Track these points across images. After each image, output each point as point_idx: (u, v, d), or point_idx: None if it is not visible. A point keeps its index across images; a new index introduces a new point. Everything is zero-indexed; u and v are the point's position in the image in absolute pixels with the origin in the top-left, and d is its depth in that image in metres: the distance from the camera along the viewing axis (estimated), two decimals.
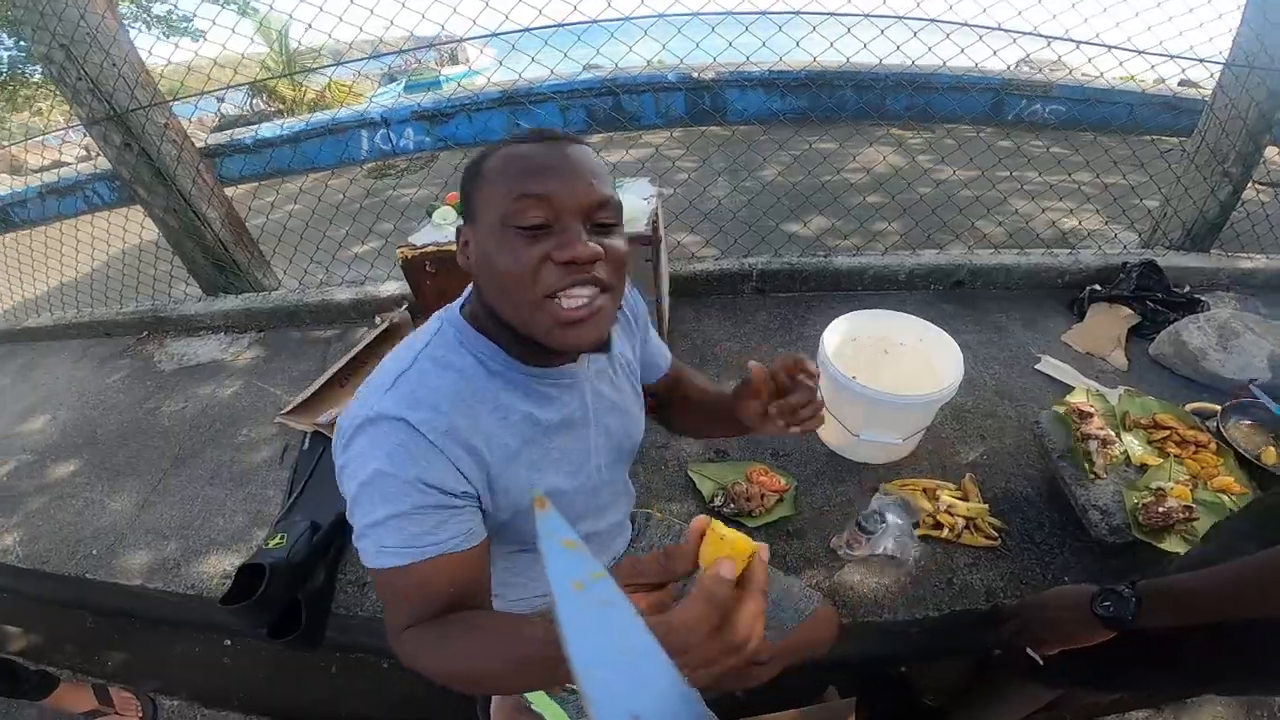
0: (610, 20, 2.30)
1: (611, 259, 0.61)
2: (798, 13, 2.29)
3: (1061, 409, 1.44)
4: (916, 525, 1.37)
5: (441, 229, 1.86)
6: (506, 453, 0.66)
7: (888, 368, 1.62)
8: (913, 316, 1.56)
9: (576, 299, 0.59)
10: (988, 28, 2.17)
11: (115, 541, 1.77)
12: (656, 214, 1.81)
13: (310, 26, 2.34)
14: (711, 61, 2.83)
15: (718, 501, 1.45)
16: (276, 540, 1.59)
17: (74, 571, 1.71)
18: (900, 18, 2.23)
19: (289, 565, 1.47)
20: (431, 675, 0.57)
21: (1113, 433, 1.35)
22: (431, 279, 1.83)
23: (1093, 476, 1.29)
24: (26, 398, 2.54)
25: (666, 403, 0.96)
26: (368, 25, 2.40)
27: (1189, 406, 1.46)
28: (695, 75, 4.70)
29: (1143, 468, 1.30)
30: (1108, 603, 0.80)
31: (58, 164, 6.64)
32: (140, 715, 1.51)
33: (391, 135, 4.89)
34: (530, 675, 0.53)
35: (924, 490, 1.44)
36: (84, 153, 7.67)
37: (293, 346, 2.47)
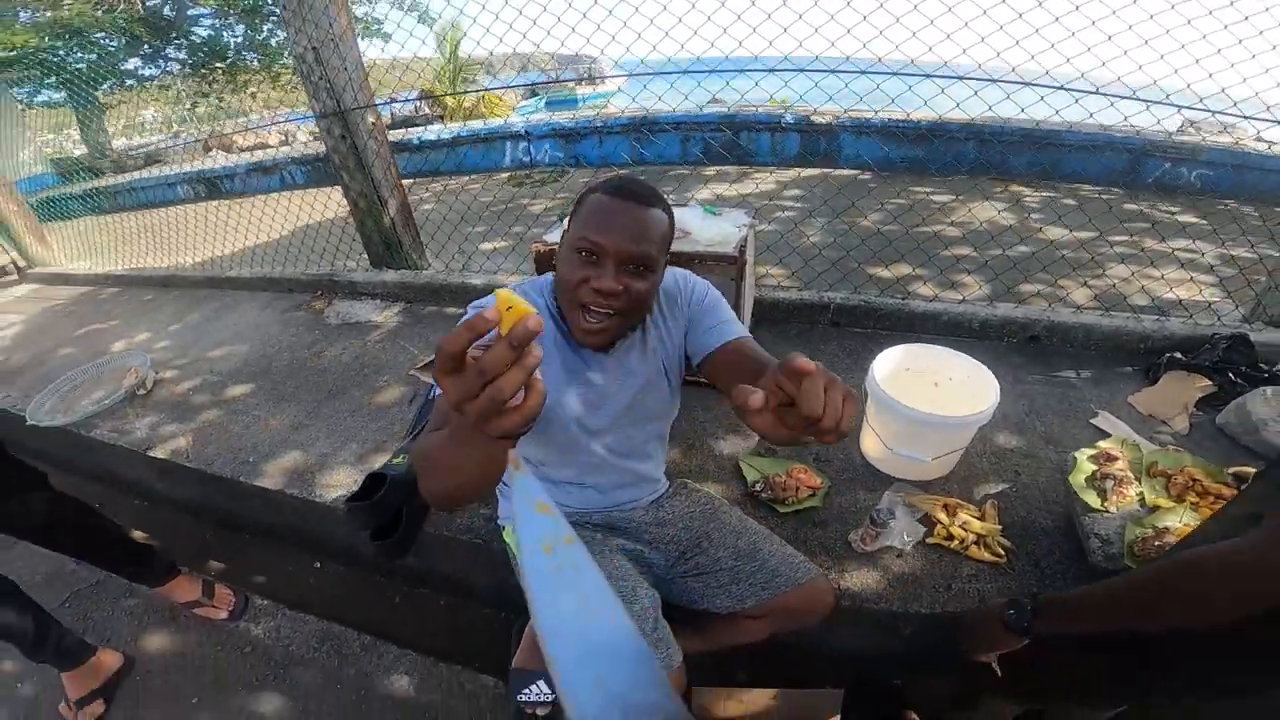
0: (733, 67, 2.59)
1: (632, 295, 0.89)
2: (928, 75, 2.47)
3: (1092, 451, 1.56)
4: (930, 533, 1.54)
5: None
6: (545, 361, 0.95)
7: (938, 400, 1.79)
8: (964, 355, 1.74)
9: (592, 321, 0.91)
10: (1119, 96, 2.26)
11: (269, 452, 2.23)
12: (746, 241, 2.09)
13: (478, 43, 2.87)
14: (828, 104, 3.07)
15: (757, 487, 1.69)
16: (397, 460, 1.99)
17: (231, 474, 2.16)
18: (1027, 84, 2.35)
19: (405, 480, 1.83)
20: (423, 463, 0.67)
21: (1133, 476, 1.45)
22: None
23: (1103, 510, 1.41)
24: (220, 332, 3.20)
25: (711, 382, 1.08)
26: (519, 46, 2.88)
27: (1230, 469, 1.49)
28: (811, 119, 4.92)
29: (1155, 509, 1.39)
30: (1012, 611, 0.93)
31: (262, 146, 7.96)
32: (231, 609, 1.79)
33: (531, 149, 5.50)
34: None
35: (944, 505, 1.61)
36: (282, 138, 9.13)
37: (430, 317, 2.96)
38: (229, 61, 16.29)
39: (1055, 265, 2.65)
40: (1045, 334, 2.38)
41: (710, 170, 4.87)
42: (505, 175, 5.35)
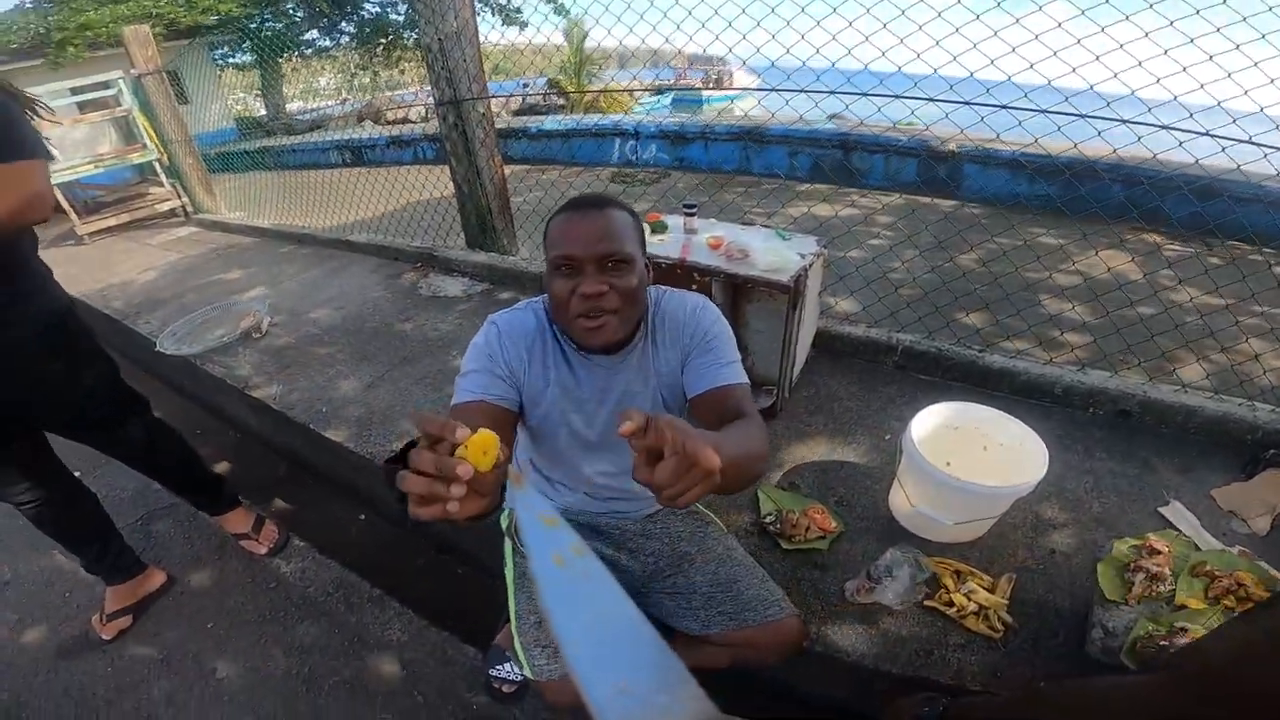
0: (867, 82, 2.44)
1: (619, 291, 0.94)
2: (1083, 115, 2.19)
3: (1135, 541, 1.42)
4: (931, 595, 1.46)
5: None
6: (537, 374, 1.06)
7: (983, 464, 1.67)
8: (1015, 419, 1.61)
9: (591, 322, 0.95)
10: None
11: (341, 406, 2.46)
12: (807, 270, 2.04)
13: (609, 32, 2.97)
14: (958, 131, 2.86)
15: (769, 519, 1.67)
16: None
17: (304, 420, 2.40)
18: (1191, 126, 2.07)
19: None
20: None
21: (1170, 573, 1.30)
22: None
23: (1121, 601, 1.28)
24: (331, 290, 3.55)
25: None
26: (648, 38, 2.94)
27: None
28: (931, 143, 4.65)
29: (1180, 608, 1.25)
30: (926, 708, 0.90)
31: (405, 120, 8.67)
32: (272, 546, 1.96)
33: (638, 148, 5.62)
34: None
35: (956, 571, 1.51)
36: (423, 113, 9.89)
37: (508, 301, 3.13)
38: (389, 38, 17.71)
39: (1174, 333, 2.36)
40: (1138, 410, 2.13)
41: (809, 187, 4.73)
42: (611, 171, 5.49)
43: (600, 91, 7.72)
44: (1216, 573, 1.32)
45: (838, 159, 4.92)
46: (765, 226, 2.33)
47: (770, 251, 2.02)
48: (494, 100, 3.26)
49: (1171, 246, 3.56)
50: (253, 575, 1.93)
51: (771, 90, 2.61)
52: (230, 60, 16.61)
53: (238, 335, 3.07)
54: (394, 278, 3.56)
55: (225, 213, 5.62)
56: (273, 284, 3.77)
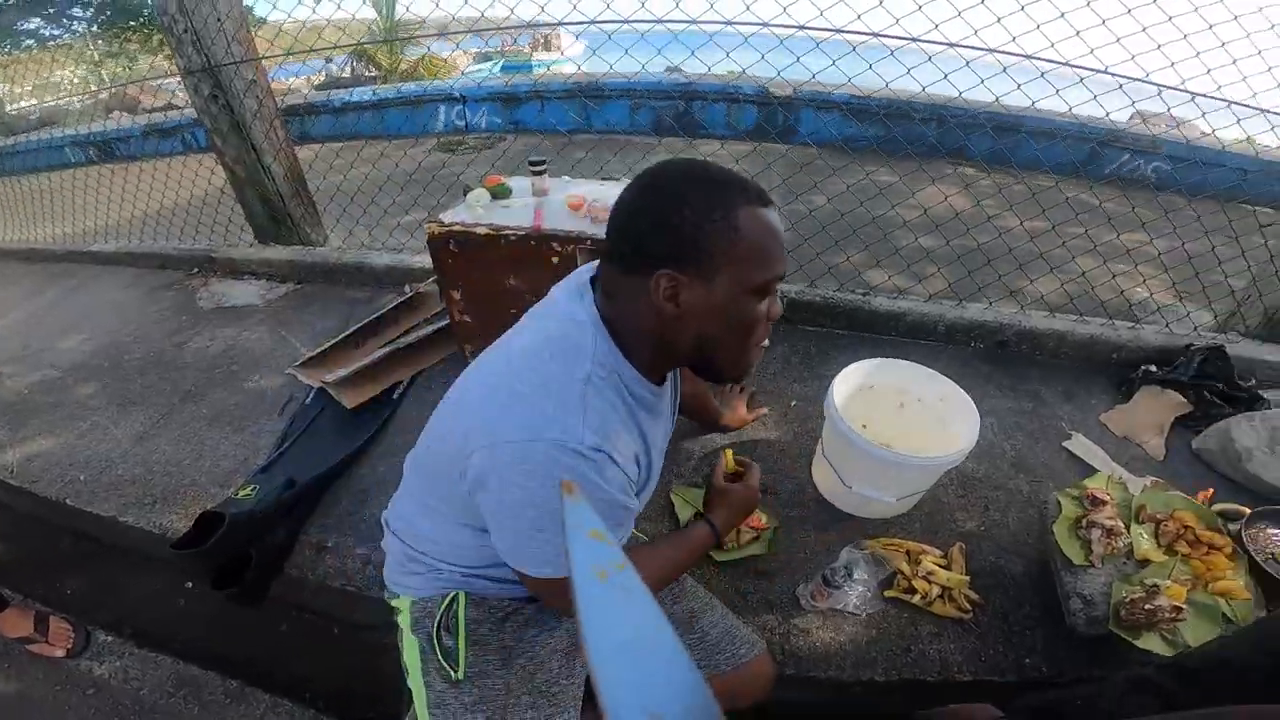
0: (703, 25, 2.21)
1: None
2: (876, 35, 2.15)
3: (1075, 492, 1.31)
4: (890, 585, 1.28)
5: (473, 210, 1.83)
6: (642, 462, 0.80)
7: (900, 422, 1.52)
8: (938, 374, 1.45)
9: (759, 352, 0.76)
10: (1091, 69, 1.98)
11: (105, 469, 1.84)
12: None
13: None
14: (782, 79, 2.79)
15: None
16: (246, 491, 1.62)
17: (57, 495, 1.77)
18: (989, 50, 2.07)
19: (250, 518, 1.47)
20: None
21: (1122, 524, 1.22)
22: (454, 258, 1.82)
23: (1087, 564, 1.18)
24: (69, 314, 2.72)
25: None
26: (461, 10, 2.45)
27: (1216, 507, 1.31)
28: (771, 91, 4.60)
29: (1144, 563, 1.17)
30: None
31: (170, 106, 7.17)
32: (70, 647, 1.53)
33: (467, 112, 5.01)
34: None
35: (907, 551, 1.34)
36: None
37: (323, 302, 2.54)
38: (141, 21, 15.12)
39: (1010, 258, 2.41)
40: (1015, 340, 2.14)
41: (657, 141, 4.49)
42: (436, 140, 4.86)
43: (417, 63, 6.85)
44: (1158, 516, 1.25)
45: (680, 110, 4.73)
46: (627, 180, 2.00)
47: None
48: (295, 80, 2.60)
49: (985, 182, 3.75)
50: (60, 683, 1.46)
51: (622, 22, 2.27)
52: None
53: None
54: (161, 290, 2.77)
55: None
56: None
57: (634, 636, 0.28)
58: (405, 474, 0.95)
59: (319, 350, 2.13)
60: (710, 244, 0.66)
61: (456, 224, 1.76)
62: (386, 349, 2.09)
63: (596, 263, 0.83)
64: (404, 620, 0.92)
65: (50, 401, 2.16)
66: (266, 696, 1.41)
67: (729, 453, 1.07)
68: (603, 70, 2.40)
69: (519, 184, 1.95)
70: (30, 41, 14.76)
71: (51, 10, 14.07)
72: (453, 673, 0.86)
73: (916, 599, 1.25)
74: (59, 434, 2.01)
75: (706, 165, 0.70)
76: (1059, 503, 1.30)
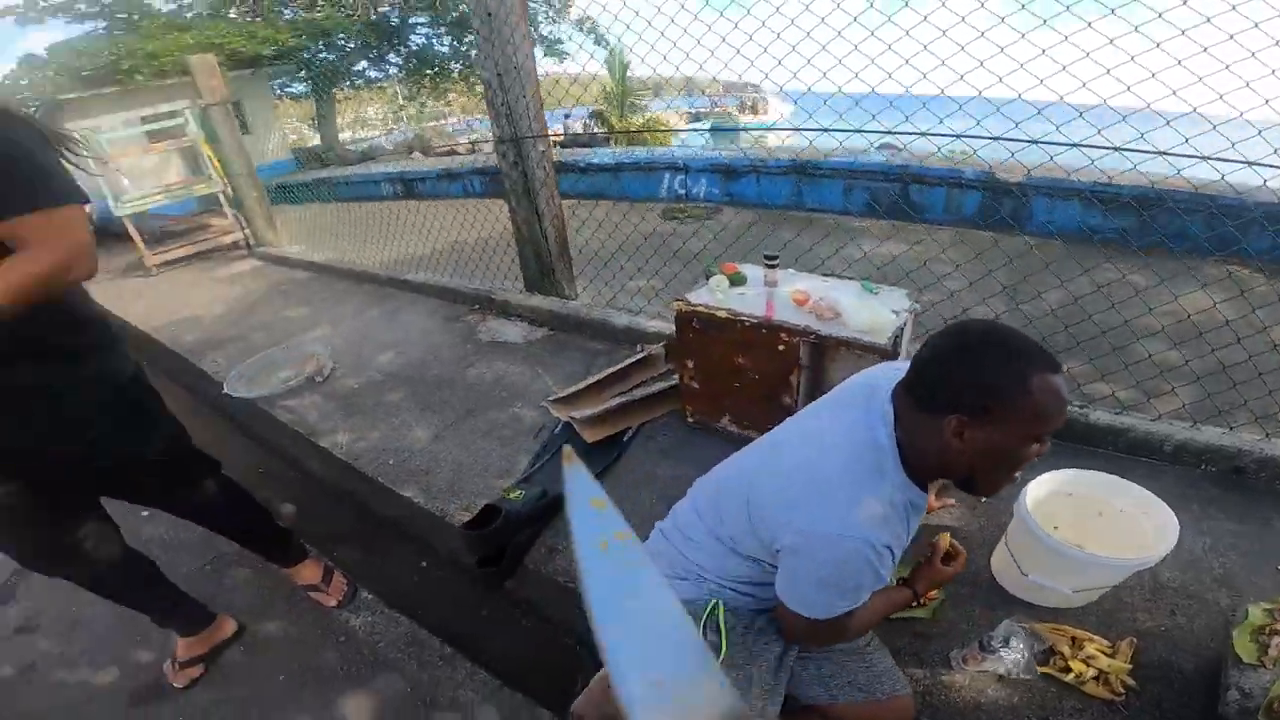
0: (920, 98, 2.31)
1: None
2: (1163, 153, 2.00)
3: (1270, 606, 1.32)
4: (1045, 661, 1.37)
5: (714, 293, 2.16)
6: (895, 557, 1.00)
7: (1098, 530, 1.57)
8: (1141, 488, 1.51)
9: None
10: None
11: (407, 459, 2.43)
12: (903, 330, 1.93)
13: (642, 59, 2.91)
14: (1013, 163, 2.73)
15: None
16: (515, 494, 2.06)
17: (372, 473, 2.38)
18: None
19: (517, 515, 1.91)
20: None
21: None
22: (694, 333, 2.17)
23: (1258, 664, 1.21)
24: (389, 332, 3.55)
25: None
26: (684, 67, 2.87)
27: None
28: (996, 174, 4.48)
29: None
30: None
31: (453, 152, 8.84)
32: (341, 599, 1.92)
33: (688, 182, 5.57)
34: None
35: (1072, 637, 1.41)
36: (470, 146, 10.11)
37: (571, 349, 3.08)
38: (435, 70, 18.28)
39: (1273, 378, 2.17)
40: (1254, 468, 1.96)
41: (867, 224, 4.61)
42: (661, 206, 5.46)
43: (640, 131, 7.77)
44: None
45: (895, 193, 4.79)
46: (848, 278, 2.23)
47: (863, 309, 1.92)
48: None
49: (1265, 288, 3.31)
50: (322, 628, 1.88)
51: (823, 129, 2.51)
52: (287, 90, 17.26)
53: (303, 379, 3.08)
54: (452, 320, 3.55)
55: (285, 246, 5.75)
56: (333, 324, 3.80)
57: (637, 606, 0.30)
58: (698, 501, 1.20)
59: (568, 392, 2.62)
60: (1002, 401, 0.84)
61: (700, 305, 2.12)
62: (622, 399, 2.51)
63: (884, 370, 1.13)
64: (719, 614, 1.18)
65: (371, 401, 2.89)
66: (468, 663, 1.70)
67: (947, 536, 1.23)
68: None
69: (751, 272, 2.26)
70: (360, 81, 18.40)
71: (374, 55, 17.30)
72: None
73: (1070, 677, 1.33)
74: (377, 426, 2.69)
75: (1008, 330, 0.89)
76: (1249, 611, 1.32)
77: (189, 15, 14.37)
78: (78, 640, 1.94)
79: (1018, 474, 0.93)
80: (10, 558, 1.44)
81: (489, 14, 2.83)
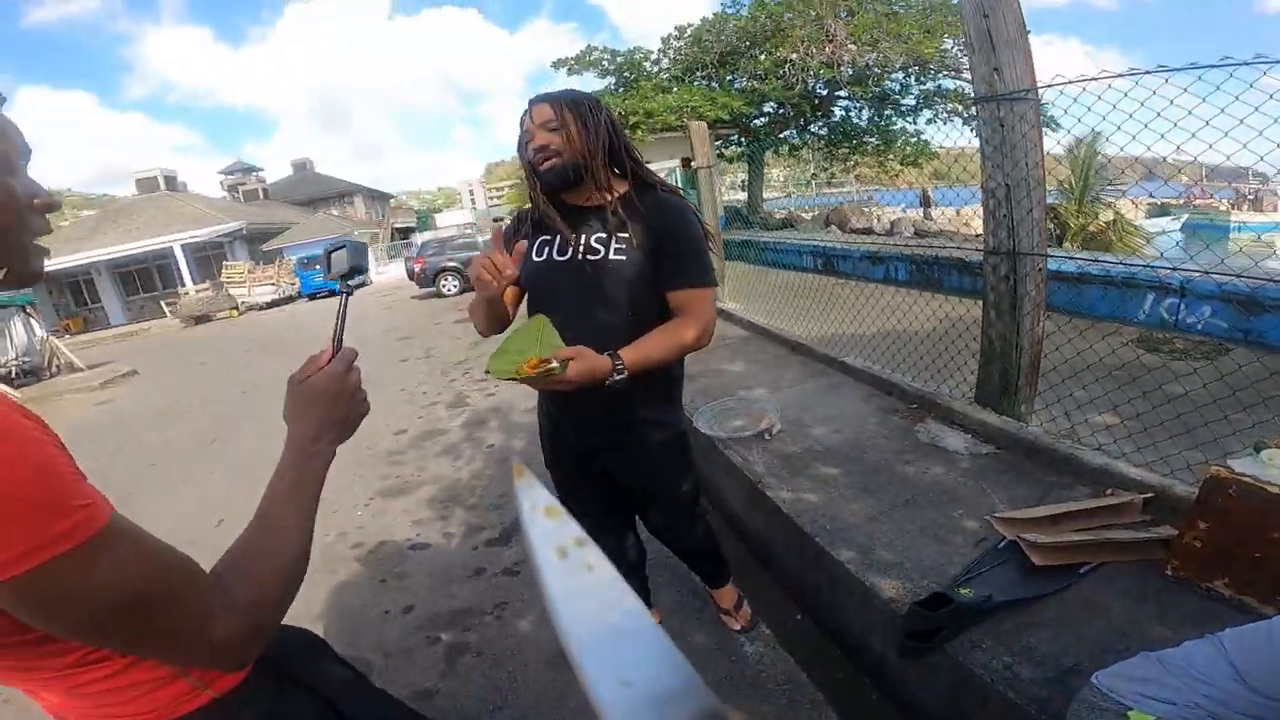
0: None
1: None
2: None
3: None
4: None
5: (1266, 468, 1.94)
6: None
7: None
8: None
9: None
10: None
11: (844, 529, 2.67)
12: None
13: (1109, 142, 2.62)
14: None
15: None
16: (965, 590, 2.15)
17: (810, 531, 2.72)
18: None
19: (967, 607, 2.05)
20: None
21: None
22: (1225, 498, 1.97)
23: None
24: (825, 407, 3.93)
25: None
26: (1155, 145, 2.46)
27: None
28: None
29: None
30: None
31: (868, 231, 9.23)
32: (745, 625, 2.41)
33: (1183, 307, 4.70)
34: None
35: None
36: (889, 226, 10.41)
37: (1019, 474, 2.96)
38: (853, 142, 19.12)
39: None
40: None
41: None
42: (1136, 332, 4.74)
43: (1107, 226, 6.72)
44: None
45: None
46: None
47: None
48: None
49: None
50: (721, 644, 2.32)
51: None
52: (723, 153, 20.24)
53: (755, 432, 3.69)
54: (887, 413, 3.78)
55: (726, 301, 6.85)
56: (773, 386, 4.43)
57: (599, 609, 0.30)
58: (1229, 648, 1.23)
59: (1020, 515, 2.56)
60: None
61: (1244, 475, 1.93)
62: (1087, 536, 2.36)
63: None
64: None
65: (813, 467, 3.27)
66: (834, 714, 1.95)
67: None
68: None
69: None
70: (785, 148, 20.47)
71: (802, 123, 18.97)
72: None
73: None
74: (818, 492, 3.03)
75: None
76: None
77: (665, 78, 17.97)
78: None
79: None
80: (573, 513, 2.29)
81: (1000, 124, 2.95)
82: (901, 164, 18.38)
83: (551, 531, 0.34)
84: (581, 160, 1.53)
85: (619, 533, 2.19)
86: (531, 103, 1.58)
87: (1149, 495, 2.53)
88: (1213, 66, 2.28)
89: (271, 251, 28.55)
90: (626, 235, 1.56)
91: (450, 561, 3.42)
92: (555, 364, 1.31)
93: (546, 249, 1.66)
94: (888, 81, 17.29)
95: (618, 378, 1.43)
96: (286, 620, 0.72)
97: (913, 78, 17.18)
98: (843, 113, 18.82)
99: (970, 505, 2.80)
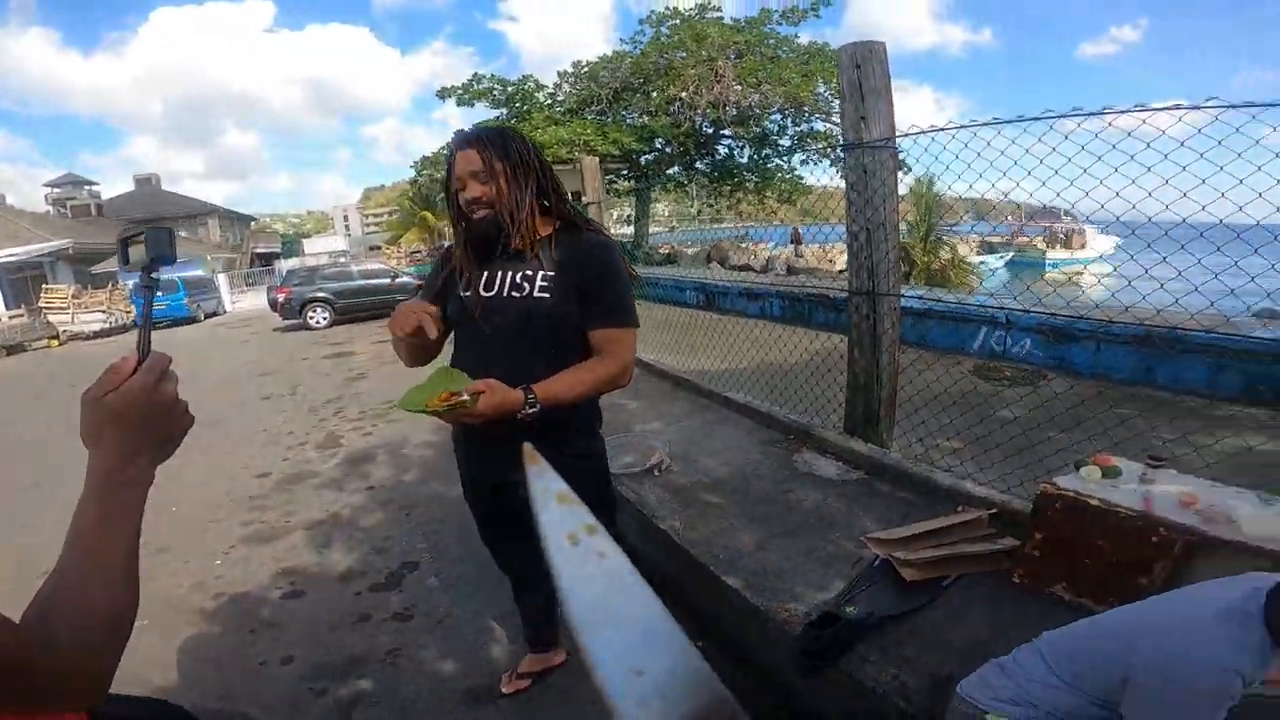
0: None
1: None
2: None
3: None
4: None
5: (1084, 483, 2.28)
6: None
7: None
8: None
9: None
10: None
11: (736, 559, 2.75)
12: None
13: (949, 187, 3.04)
14: None
15: None
16: (850, 610, 2.29)
17: (702, 560, 2.78)
18: None
19: (854, 625, 2.20)
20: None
21: None
22: (1053, 513, 2.28)
23: None
24: (713, 441, 4.06)
25: None
26: (983, 190, 2.84)
27: None
28: None
29: None
30: None
31: (746, 268, 9.81)
32: None
33: (1008, 340, 5.39)
34: None
35: None
36: (765, 264, 11.10)
37: (886, 497, 3.22)
38: (735, 180, 20.20)
39: None
40: None
41: (1240, 410, 3.97)
42: (972, 362, 5.36)
43: (946, 265, 7.71)
44: None
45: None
46: (1241, 488, 2.15)
47: (1260, 521, 1.85)
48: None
49: None
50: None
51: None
52: (612, 187, 20.58)
53: (645, 467, 3.73)
54: (768, 444, 3.97)
55: None
56: (663, 421, 4.52)
57: (611, 597, 0.30)
58: (1044, 646, 1.46)
59: (889, 535, 2.78)
60: None
61: (1069, 490, 2.24)
62: (947, 551, 2.60)
63: (1258, 575, 1.25)
64: None
65: (702, 499, 3.36)
66: None
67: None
68: (1146, 290, 2.30)
69: (1128, 467, 2.30)
70: (671, 184, 21.12)
71: (687, 160, 19.68)
72: None
73: None
74: (708, 524, 3.12)
75: None
76: None
77: (560, 110, 18.07)
78: (438, 634, 2.62)
79: None
80: (485, 547, 2.14)
81: (864, 171, 3.24)
82: (778, 201, 19.73)
83: (563, 517, 0.33)
84: (511, 212, 1.57)
85: (536, 564, 2.17)
86: (458, 145, 1.60)
87: (994, 510, 2.84)
88: (1036, 119, 2.61)
89: (104, 275, 25.17)
90: (552, 274, 1.62)
91: (332, 609, 3.13)
92: (466, 397, 1.37)
93: (473, 285, 1.68)
94: (767, 122, 18.45)
95: (530, 410, 1.48)
96: (153, 682, 0.63)
97: (789, 119, 18.46)
98: (726, 150, 19.85)
99: (845, 528, 2.99)
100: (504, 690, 2.27)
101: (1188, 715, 1.14)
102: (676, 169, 20.02)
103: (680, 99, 16.66)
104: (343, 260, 21.47)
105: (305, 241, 45.02)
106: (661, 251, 16.94)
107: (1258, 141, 2.04)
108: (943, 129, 3.10)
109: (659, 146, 18.95)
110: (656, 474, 3.70)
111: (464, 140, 1.60)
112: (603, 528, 0.34)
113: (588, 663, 0.27)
